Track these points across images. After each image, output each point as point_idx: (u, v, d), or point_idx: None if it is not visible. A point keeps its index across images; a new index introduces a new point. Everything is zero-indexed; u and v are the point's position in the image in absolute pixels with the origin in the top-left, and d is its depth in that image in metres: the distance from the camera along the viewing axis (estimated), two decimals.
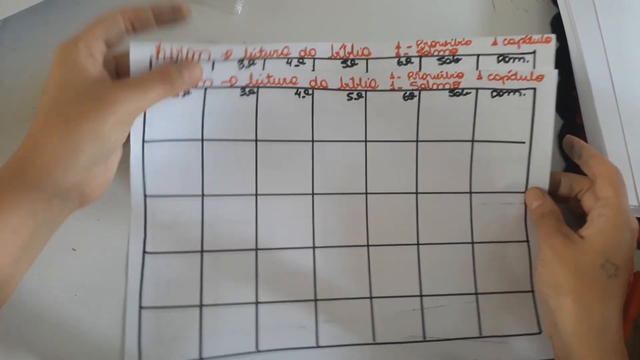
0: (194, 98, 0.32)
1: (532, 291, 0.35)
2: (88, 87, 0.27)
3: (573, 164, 0.36)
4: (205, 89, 0.32)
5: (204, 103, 0.32)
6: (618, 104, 0.36)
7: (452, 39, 0.33)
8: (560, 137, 0.38)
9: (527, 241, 0.35)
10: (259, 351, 0.32)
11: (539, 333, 0.34)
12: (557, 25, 0.39)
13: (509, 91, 0.34)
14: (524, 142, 0.35)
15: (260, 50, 0.31)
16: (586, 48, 0.37)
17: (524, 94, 0.34)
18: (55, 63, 0.27)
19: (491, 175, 0.35)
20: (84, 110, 0.26)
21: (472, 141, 0.35)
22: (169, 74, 0.29)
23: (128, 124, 0.29)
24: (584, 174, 0.34)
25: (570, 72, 0.38)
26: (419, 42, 0.33)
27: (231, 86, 0.32)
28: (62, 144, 0.26)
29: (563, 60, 0.38)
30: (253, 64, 0.32)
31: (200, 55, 0.31)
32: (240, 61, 0.32)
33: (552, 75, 0.34)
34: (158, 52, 0.30)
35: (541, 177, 0.35)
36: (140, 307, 0.31)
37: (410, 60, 0.33)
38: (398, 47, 0.32)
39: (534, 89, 0.34)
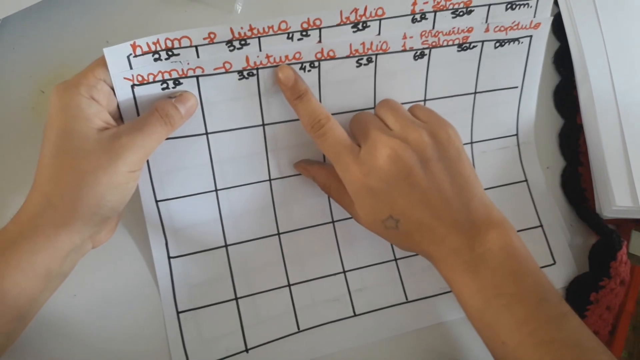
0: (186, 88, 0.30)
1: (541, 225, 0.37)
2: (95, 138, 0.26)
3: (573, 162, 0.38)
4: (198, 78, 0.30)
5: (200, 93, 0.30)
6: (618, 104, 0.36)
7: None
8: (560, 136, 0.38)
9: (526, 180, 0.37)
10: (300, 331, 0.33)
11: (554, 264, 0.36)
12: (557, 25, 0.38)
13: (510, 41, 0.34)
14: (516, 87, 0.36)
15: (251, 29, 0.29)
16: (587, 47, 0.36)
17: (522, 42, 0.35)
18: (55, 107, 0.26)
19: (489, 122, 0.36)
20: (98, 163, 0.25)
21: (475, 93, 0.35)
22: (168, 114, 0.28)
23: (139, 169, 0.28)
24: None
25: (571, 72, 0.38)
26: None
27: (226, 72, 0.30)
28: (81, 198, 0.25)
29: (564, 59, 0.38)
30: (246, 44, 0.29)
31: (180, 43, 0.28)
32: (229, 43, 0.29)
33: (547, 22, 0.34)
34: (135, 50, 0.27)
35: (528, 117, 0.37)
36: (178, 312, 0.31)
37: (425, 16, 0.31)
38: (414, 3, 0.31)
39: (531, 36, 0.34)
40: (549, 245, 0.37)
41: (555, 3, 0.38)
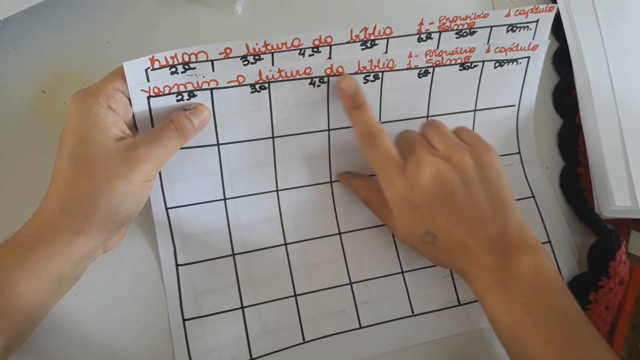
0: (201, 100, 0.31)
1: (550, 242, 0.37)
2: (113, 147, 0.27)
3: (572, 162, 0.38)
4: (212, 90, 0.31)
5: (213, 104, 0.31)
6: (617, 104, 0.36)
7: (472, 13, 0.32)
8: (559, 136, 0.39)
9: (533, 196, 0.37)
10: (306, 342, 0.32)
11: None
12: (556, 25, 0.39)
13: (509, 61, 0.35)
14: (514, 105, 0.37)
15: (265, 45, 0.30)
16: (586, 47, 0.37)
17: (520, 63, 0.36)
18: (73, 115, 0.27)
19: (489, 140, 0.37)
20: (115, 171, 0.26)
21: (475, 110, 0.36)
22: (182, 126, 0.29)
23: (153, 179, 0.29)
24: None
25: (570, 72, 0.38)
26: (441, 18, 0.32)
27: (239, 85, 0.31)
28: (97, 205, 0.26)
29: (563, 60, 0.39)
30: (260, 59, 0.31)
31: (197, 57, 0.30)
32: (244, 57, 0.31)
33: (544, 44, 0.35)
34: (153, 63, 0.28)
35: (528, 135, 0.38)
36: (184, 320, 0.31)
37: (430, 36, 0.32)
38: (421, 24, 0.32)
39: (529, 57, 0.36)
40: (557, 263, 0.36)
41: (554, 2, 0.38)
